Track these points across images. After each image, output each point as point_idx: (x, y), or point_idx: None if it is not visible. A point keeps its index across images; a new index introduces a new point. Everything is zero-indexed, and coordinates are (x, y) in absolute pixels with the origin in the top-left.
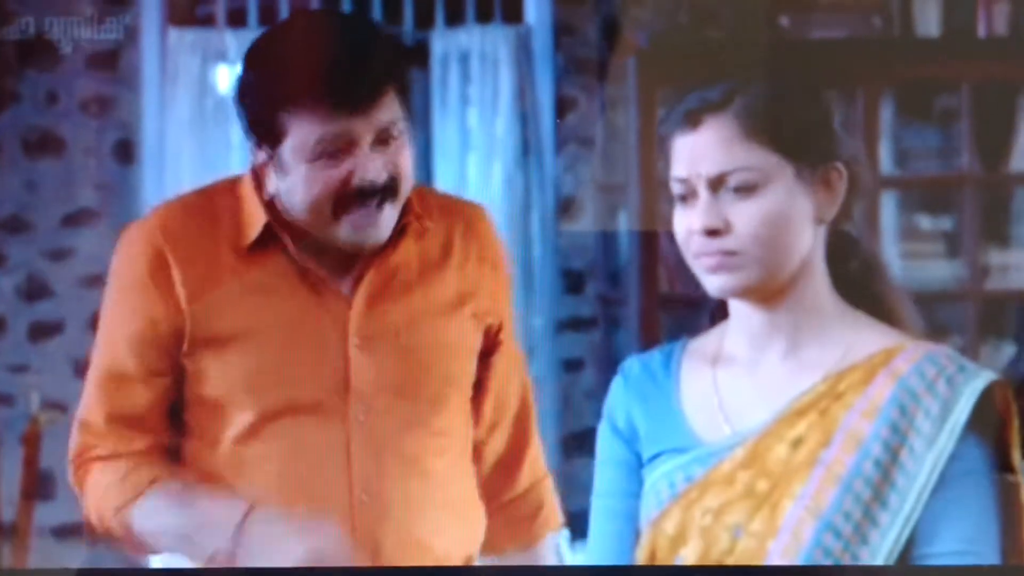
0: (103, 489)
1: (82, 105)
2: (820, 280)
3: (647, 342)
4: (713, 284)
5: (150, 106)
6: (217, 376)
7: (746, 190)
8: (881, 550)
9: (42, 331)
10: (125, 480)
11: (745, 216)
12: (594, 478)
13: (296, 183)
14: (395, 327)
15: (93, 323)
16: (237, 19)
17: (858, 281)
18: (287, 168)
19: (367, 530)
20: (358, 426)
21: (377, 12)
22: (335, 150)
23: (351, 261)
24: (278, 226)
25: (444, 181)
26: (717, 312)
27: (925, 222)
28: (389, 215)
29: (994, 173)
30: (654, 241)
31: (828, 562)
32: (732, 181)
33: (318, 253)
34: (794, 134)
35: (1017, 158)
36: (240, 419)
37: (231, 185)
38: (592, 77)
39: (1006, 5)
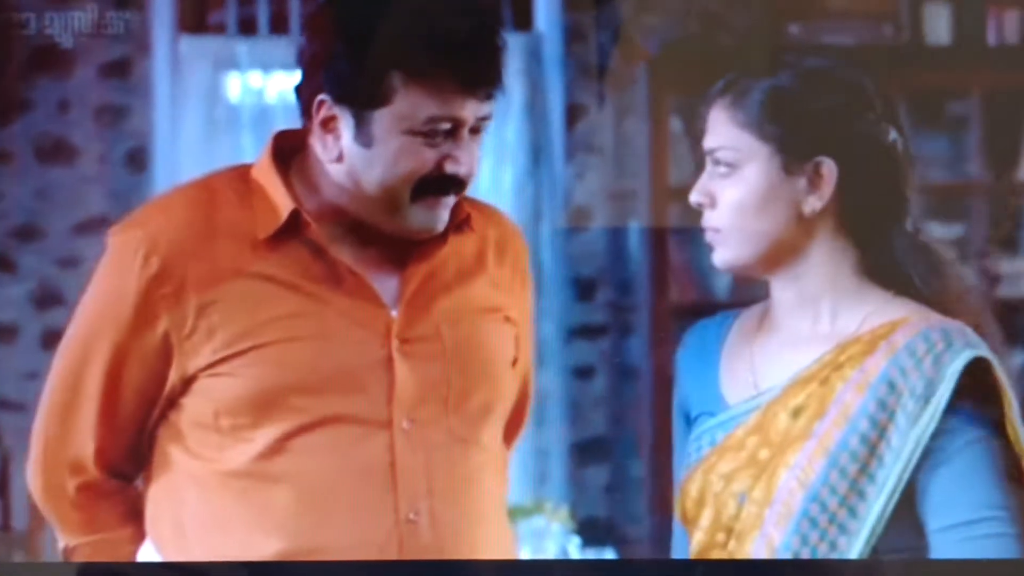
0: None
1: (95, 113)
2: (837, 263)
3: (658, 349)
4: (713, 257)
5: (162, 114)
6: (235, 389)
7: (727, 168)
8: (868, 523)
9: (54, 339)
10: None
11: (724, 194)
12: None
13: (383, 154)
14: (437, 327)
15: None
16: (248, 27)
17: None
18: (374, 135)
19: (415, 553)
20: (403, 436)
21: None
22: (439, 130)
23: (384, 256)
24: (307, 214)
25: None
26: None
27: (935, 229)
28: (450, 207)
29: (1004, 181)
30: (665, 248)
31: (814, 533)
32: (716, 158)
33: (348, 245)
34: (779, 124)
35: None
36: (263, 435)
37: (239, 172)
38: (603, 84)
39: (1016, 14)
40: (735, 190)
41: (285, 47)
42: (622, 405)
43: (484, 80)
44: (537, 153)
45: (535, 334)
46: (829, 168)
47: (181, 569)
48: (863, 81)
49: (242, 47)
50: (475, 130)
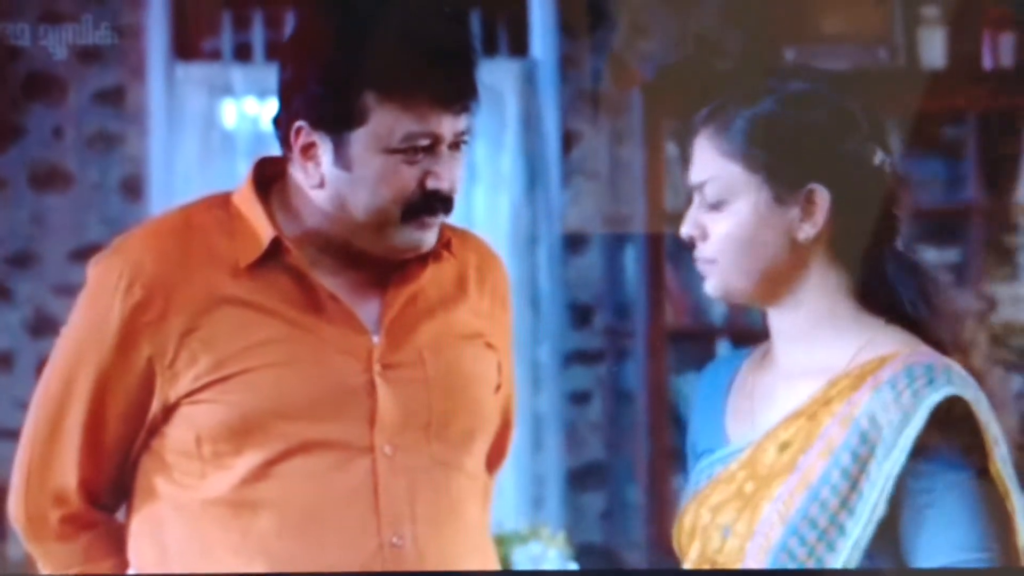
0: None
1: (89, 140)
2: (831, 290)
3: (654, 375)
4: (706, 286)
5: (157, 141)
6: (217, 416)
7: (716, 201)
8: (842, 560)
9: None
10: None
11: (715, 227)
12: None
13: (364, 176)
14: (419, 353)
15: None
16: (243, 54)
17: (910, 296)
18: (353, 157)
19: None
20: (386, 461)
21: None
22: (416, 147)
23: (365, 281)
24: (287, 240)
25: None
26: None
27: (931, 254)
28: (438, 227)
29: (1000, 204)
30: (661, 273)
31: (792, 565)
32: (705, 192)
33: (329, 272)
34: (766, 152)
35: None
36: (245, 461)
37: (220, 200)
38: (598, 110)
39: (1011, 37)
40: (726, 223)
41: None
42: (619, 430)
43: (457, 94)
44: (533, 179)
45: (532, 359)
46: (822, 195)
47: None
48: (848, 102)
49: (237, 74)
50: (454, 145)
